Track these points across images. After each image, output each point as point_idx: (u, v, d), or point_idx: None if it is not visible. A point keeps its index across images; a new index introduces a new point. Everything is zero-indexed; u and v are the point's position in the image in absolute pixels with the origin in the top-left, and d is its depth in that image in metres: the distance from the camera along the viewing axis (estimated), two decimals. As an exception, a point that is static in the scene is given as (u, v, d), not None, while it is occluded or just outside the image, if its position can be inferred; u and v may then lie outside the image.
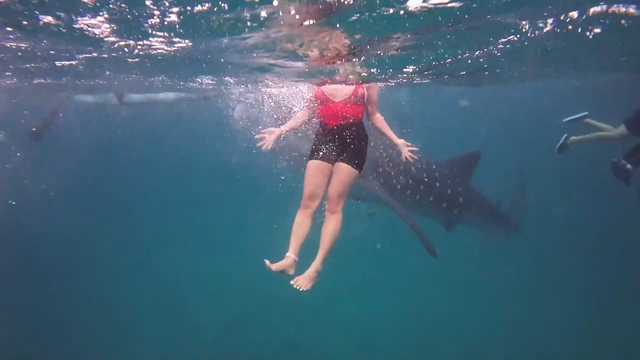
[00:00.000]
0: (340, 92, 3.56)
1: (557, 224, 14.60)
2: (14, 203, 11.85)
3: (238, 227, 16.57)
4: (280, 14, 2.82)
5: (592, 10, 3.20)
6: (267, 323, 9.61)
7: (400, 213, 5.69)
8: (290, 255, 3.23)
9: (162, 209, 19.59)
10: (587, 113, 5.76)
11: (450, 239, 8.08)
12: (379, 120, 3.70)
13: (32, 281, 12.37)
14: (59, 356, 9.17)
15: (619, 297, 10.42)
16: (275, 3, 2.59)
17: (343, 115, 3.50)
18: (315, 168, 3.46)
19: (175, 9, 2.73)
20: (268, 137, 3.52)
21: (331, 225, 3.31)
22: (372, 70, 5.17)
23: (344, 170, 3.41)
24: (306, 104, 3.83)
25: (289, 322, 9.93)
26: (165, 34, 3.45)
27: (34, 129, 9.04)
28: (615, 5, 3.13)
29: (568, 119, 5.90)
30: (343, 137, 3.49)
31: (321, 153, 3.51)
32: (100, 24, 3.10)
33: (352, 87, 3.57)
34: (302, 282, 3.18)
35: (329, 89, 3.61)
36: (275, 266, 3.15)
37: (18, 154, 11.57)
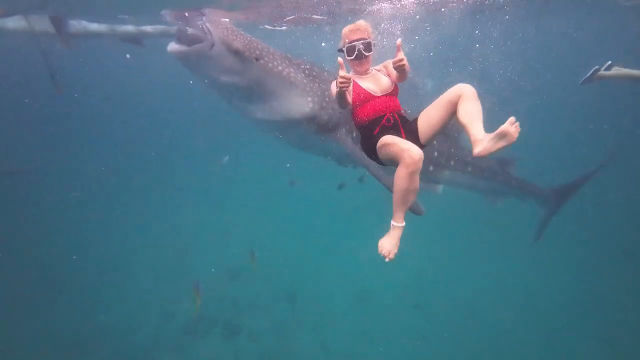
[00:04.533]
0: (379, 84, 2.94)
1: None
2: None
3: (239, 179, 16.50)
4: None
5: None
6: (265, 274, 9.69)
7: (373, 172, 4.93)
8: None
9: (163, 159, 19.45)
10: (610, 62, 5.15)
11: (454, 201, 7.75)
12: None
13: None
14: (57, 307, 9.37)
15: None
16: None
17: (390, 108, 2.92)
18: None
19: None
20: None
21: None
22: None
23: None
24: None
25: (286, 274, 10.03)
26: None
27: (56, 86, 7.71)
28: None
29: (586, 76, 5.24)
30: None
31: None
32: None
33: (389, 79, 2.95)
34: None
35: (364, 82, 2.94)
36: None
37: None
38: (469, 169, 6.67)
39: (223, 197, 14.99)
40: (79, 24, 6.80)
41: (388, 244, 2.62)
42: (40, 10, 6.38)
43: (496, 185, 7.22)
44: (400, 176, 2.47)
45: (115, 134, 21.52)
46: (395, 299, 9.45)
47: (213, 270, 10.10)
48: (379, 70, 3.06)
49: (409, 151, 2.46)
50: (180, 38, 4.67)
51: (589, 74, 5.29)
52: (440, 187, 6.71)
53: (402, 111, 3.04)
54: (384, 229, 2.68)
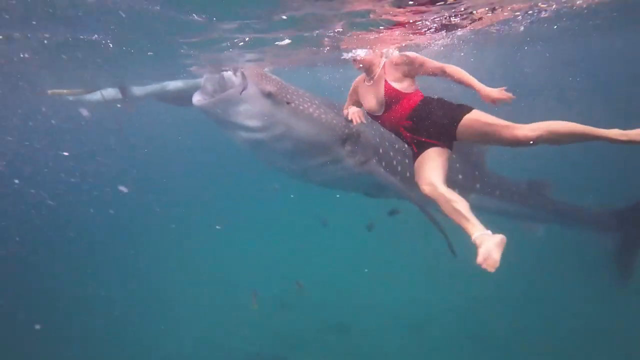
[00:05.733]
0: (377, 97, 3.00)
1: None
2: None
3: (286, 210, 16.66)
4: None
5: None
6: (314, 306, 9.58)
7: (412, 198, 4.73)
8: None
9: (211, 192, 20.07)
10: None
11: (506, 223, 7.25)
12: (452, 70, 2.84)
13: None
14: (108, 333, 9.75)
15: None
16: None
17: (401, 122, 2.96)
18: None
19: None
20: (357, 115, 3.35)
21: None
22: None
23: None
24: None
25: (336, 305, 9.87)
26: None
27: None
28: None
29: None
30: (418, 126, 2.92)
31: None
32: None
33: (383, 87, 2.94)
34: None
35: (367, 99, 3.13)
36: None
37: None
38: (497, 192, 6.23)
39: (268, 227, 15.18)
40: (138, 88, 8.02)
41: (491, 255, 2.09)
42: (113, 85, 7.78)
43: (529, 211, 6.50)
44: (438, 202, 2.56)
45: (157, 167, 22.56)
46: (452, 329, 8.96)
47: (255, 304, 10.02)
48: (384, 74, 2.97)
49: (420, 186, 2.66)
50: (205, 90, 4.69)
51: None
52: None
53: (411, 114, 2.90)
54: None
